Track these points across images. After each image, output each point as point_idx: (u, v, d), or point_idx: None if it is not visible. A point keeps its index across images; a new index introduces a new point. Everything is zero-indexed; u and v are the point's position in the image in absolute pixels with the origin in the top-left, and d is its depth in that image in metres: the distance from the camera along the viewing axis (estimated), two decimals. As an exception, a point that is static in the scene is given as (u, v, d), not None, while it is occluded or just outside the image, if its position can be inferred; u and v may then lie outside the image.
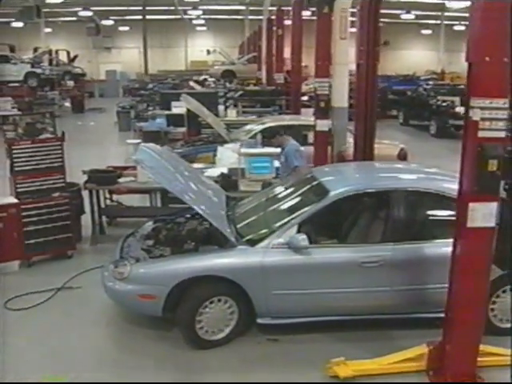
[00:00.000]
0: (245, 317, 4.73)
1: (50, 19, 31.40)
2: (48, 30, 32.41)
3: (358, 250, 4.69)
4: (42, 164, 6.53)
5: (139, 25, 31.79)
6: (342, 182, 5.20)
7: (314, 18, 8.88)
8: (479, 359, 4.17)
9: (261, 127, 10.26)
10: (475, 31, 3.59)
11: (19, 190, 6.45)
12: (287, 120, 11.57)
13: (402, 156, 9.76)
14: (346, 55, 8.37)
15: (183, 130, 12.16)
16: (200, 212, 4.69)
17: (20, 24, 28.69)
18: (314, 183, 5.20)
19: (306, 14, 13.13)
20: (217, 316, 4.66)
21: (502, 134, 3.67)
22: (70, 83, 26.48)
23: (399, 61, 38.52)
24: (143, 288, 4.63)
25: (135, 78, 30.12)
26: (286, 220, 4.77)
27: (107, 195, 8.24)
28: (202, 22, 35.69)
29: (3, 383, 4.21)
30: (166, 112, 13.47)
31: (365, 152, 6.73)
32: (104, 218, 8.00)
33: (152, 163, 4.87)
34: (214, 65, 28.90)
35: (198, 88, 17.83)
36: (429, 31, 38.28)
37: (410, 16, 32.38)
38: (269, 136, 7.21)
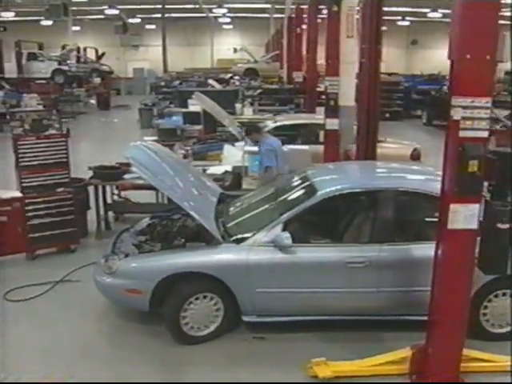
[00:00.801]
0: (231, 314, 4.73)
1: (78, 17, 31.97)
2: (76, 28, 33.03)
3: (343, 249, 4.63)
4: (46, 159, 6.62)
5: (166, 23, 32.07)
6: (332, 181, 5.14)
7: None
8: (464, 364, 4.08)
9: (272, 125, 10.26)
10: (457, 28, 3.48)
11: (24, 184, 6.57)
12: (301, 118, 11.55)
13: (415, 156, 9.58)
14: (353, 54, 8.28)
15: (199, 127, 12.26)
16: (187, 209, 4.70)
17: (49, 22, 29.24)
18: (306, 183, 5.16)
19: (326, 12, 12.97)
20: (202, 312, 4.67)
21: (485, 134, 3.56)
22: (97, 80, 26.89)
23: (427, 60, 37.89)
24: (130, 283, 4.68)
25: (162, 76, 30.39)
26: (272, 219, 4.75)
27: (115, 191, 8.37)
28: (228, 20, 35.74)
29: (3, 383, 4.30)
30: (183, 110, 13.61)
31: (367, 151, 6.64)
32: (111, 214, 8.12)
33: (145, 162, 4.88)
34: (238, 63, 28.95)
35: (218, 86, 17.89)
36: (458, 30, 37.49)
37: (437, 14, 31.77)
38: (246, 132, 7.07)
